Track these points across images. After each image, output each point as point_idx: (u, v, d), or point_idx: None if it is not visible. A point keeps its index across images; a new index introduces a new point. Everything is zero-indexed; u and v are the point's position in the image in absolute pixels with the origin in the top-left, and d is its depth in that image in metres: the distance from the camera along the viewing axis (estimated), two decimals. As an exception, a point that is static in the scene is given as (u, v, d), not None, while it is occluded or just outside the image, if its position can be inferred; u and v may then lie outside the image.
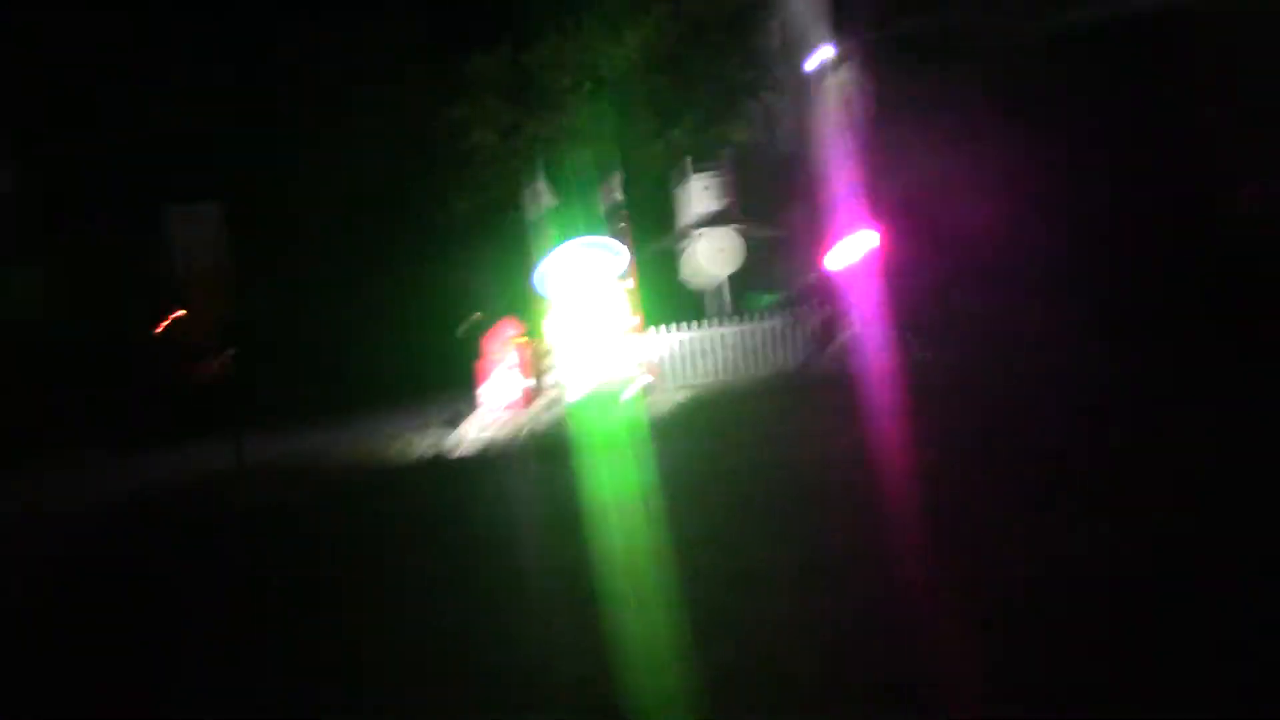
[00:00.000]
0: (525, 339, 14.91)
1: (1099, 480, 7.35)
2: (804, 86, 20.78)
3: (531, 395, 14.66)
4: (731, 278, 16.39)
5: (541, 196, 15.54)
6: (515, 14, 21.86)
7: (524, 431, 13.79)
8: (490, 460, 12.68)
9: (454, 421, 14.92)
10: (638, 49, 20.55)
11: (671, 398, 14.53)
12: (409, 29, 23.31)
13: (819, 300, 16.13)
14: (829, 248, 17.51)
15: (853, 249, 15.30)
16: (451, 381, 18.57)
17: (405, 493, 11.37)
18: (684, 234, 17.47)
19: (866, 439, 10.42)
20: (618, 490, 9.70)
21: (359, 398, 20.73)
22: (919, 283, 15.12)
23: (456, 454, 13.49)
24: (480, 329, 15.45)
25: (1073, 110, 15.69)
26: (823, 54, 19.66)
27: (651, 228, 18.70)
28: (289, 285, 25.25)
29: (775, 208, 19.21)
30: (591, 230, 15.22)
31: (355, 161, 23.73)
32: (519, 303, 16.65)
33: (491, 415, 14.61)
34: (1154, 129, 14.57)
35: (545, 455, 12.42)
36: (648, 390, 14.61)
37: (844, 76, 19.54)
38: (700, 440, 11.85)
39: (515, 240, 18.93)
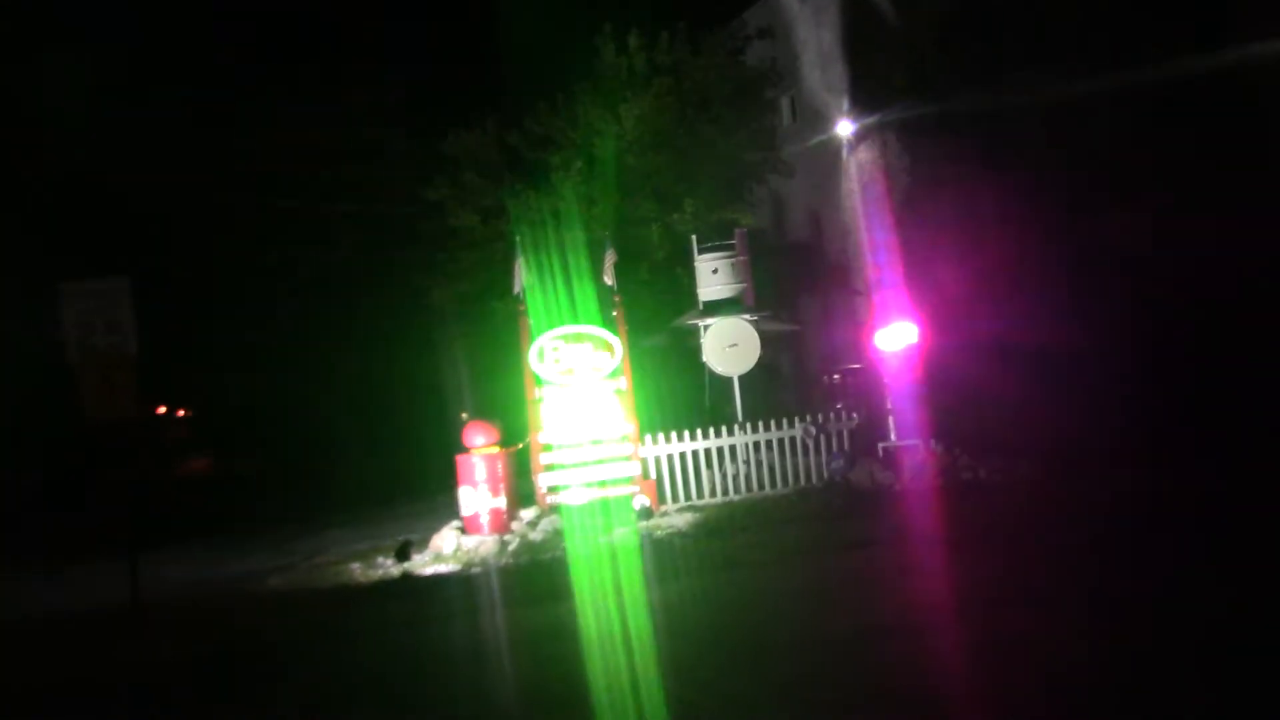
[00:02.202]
0: (500, 447, 12.25)
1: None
2: (818, 168, 18.50)
3: (504, 515, 11.96)
4: (745, 377, 13.76)
5: (526, 283, 13.01)
6: (502, 90, 19.74)
7: (501, 556, 11.12)
8: (456, 592, 10.02)
9: (419, 540, 12.23)
10: (634, 126, 18.30)
11: (672, 521, 11.85)
12: (389, 103, 21.07)
13: (847, 403, 13.53)
14: (856, 344, 15.03)
15: (887, 345, 12.77)
16: (430, 486, 15.94)
17: (350, 637, 8.70)
18: (688, 325, 14.91)
19: (905, 592, 7.90)
20: (604, 647, 7.23)
21: (322, 504, 18.06)
22: (965, 385, 12.58)
23: (424, 573, 10.83)
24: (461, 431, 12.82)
25: (1137, 183, 13.37)
26: (842, 131, 17.39)
27: (650, 320, 16.20)
28: (250, 375, 22.78)
29: (787, 300, 16.73)
30: (582, 320, 12.71)
31: (326, 242, 21.34)
32: (502, 401, 14.07)
33: (464, 533, 11.93)
34: (1225, 199, 12.23)
35: (524, 589, 9.79)
36: (644, 512, 11.93)
37: (866, 155, 17.27)
38: (704, 580, 9.21)
39: (499, 331, 16.44)
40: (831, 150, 17.98)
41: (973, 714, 5.33)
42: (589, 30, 18.88)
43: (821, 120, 18.16)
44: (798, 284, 18.11)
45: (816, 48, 18.29)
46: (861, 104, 17.28)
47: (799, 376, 17.58)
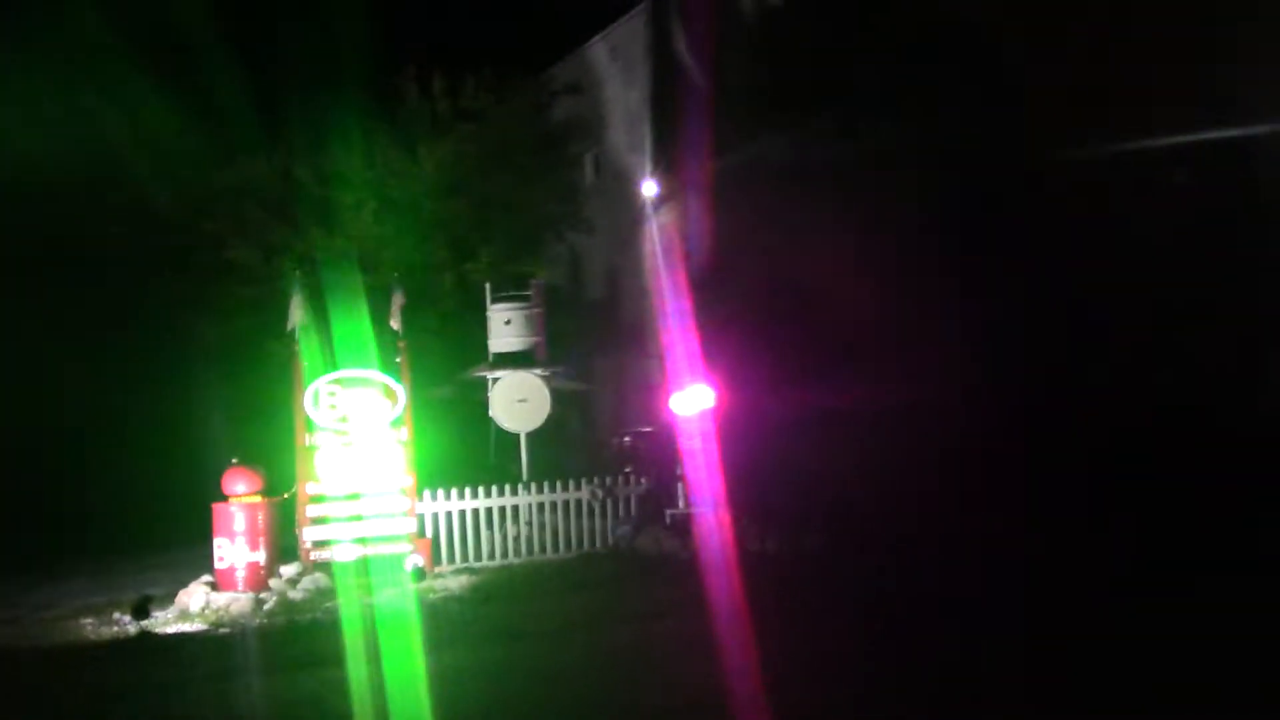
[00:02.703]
0: (263, 496, 11.19)
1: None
2: (618, 227, 18.18)
3: (262, 570, 10.89)
4: (532, 436, 13.12)
5: (305, 324, 12.03)
6: (292, 121, 18.64)
7: (256, 616, 10.08)
8: (199, 654, 8.95)
9: (166, 595, 11.03)
10: (433, 171, 17.62)
11: (448, 584, 11.06)
12: (165, 123, 19.57)
13: (636, 468, 13.03)
14: (648, 407, 14.63)
15: (682, 409, 12.37)
16: (187, 536, 14.52)
17: (59, 708, 7.56)
18: (475, 377, 14.21)
19: (693, 670, 7.37)
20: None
21: (65, 550, 16.33)
22: (758, 454, 12.28)
23: (166, 631, 9.69)
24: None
25: (938, 243, 13.44)
26: (643, 192, 17.10)
27: (437, 370, 15.37)
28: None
29: (581, 359, 16.20)
30: (363, 364, 11.84)
31: (85, 271, 19.59)
32: (271, 448, 12.93)
33: (216, 589, 10.79)
34: (1025, 272, 12.39)
35: (279, 653, 8.83)
36: (417, 573, 11.06)
37: (666, 217, 17.01)
38: (480, 652, 8.43)
39: (272, 373, 15.29)
40: (632, 210, 17.68)
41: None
42: (392, 68, 18.19)
43: (624, 179, 17.87)
44: (592, 343, 17.67)
45: (624, 106, 18.07)
46: (664, 165, 17.06)
47: (588, 438, 17.03)
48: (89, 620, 10.37)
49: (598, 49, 19.00)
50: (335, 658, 8.32)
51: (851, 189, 13.88)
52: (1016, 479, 11.39)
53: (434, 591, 10.71)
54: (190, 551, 13.26)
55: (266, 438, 13.27)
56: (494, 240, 17.68)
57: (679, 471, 12.50)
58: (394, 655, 8.23)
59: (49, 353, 18.86)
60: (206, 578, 10.99)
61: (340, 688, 7.42)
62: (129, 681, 8.15)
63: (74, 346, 19.50)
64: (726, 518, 12.16)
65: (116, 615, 10.29)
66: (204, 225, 17.85)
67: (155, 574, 12.98)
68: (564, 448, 14.70)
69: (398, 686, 7.28)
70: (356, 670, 7.83)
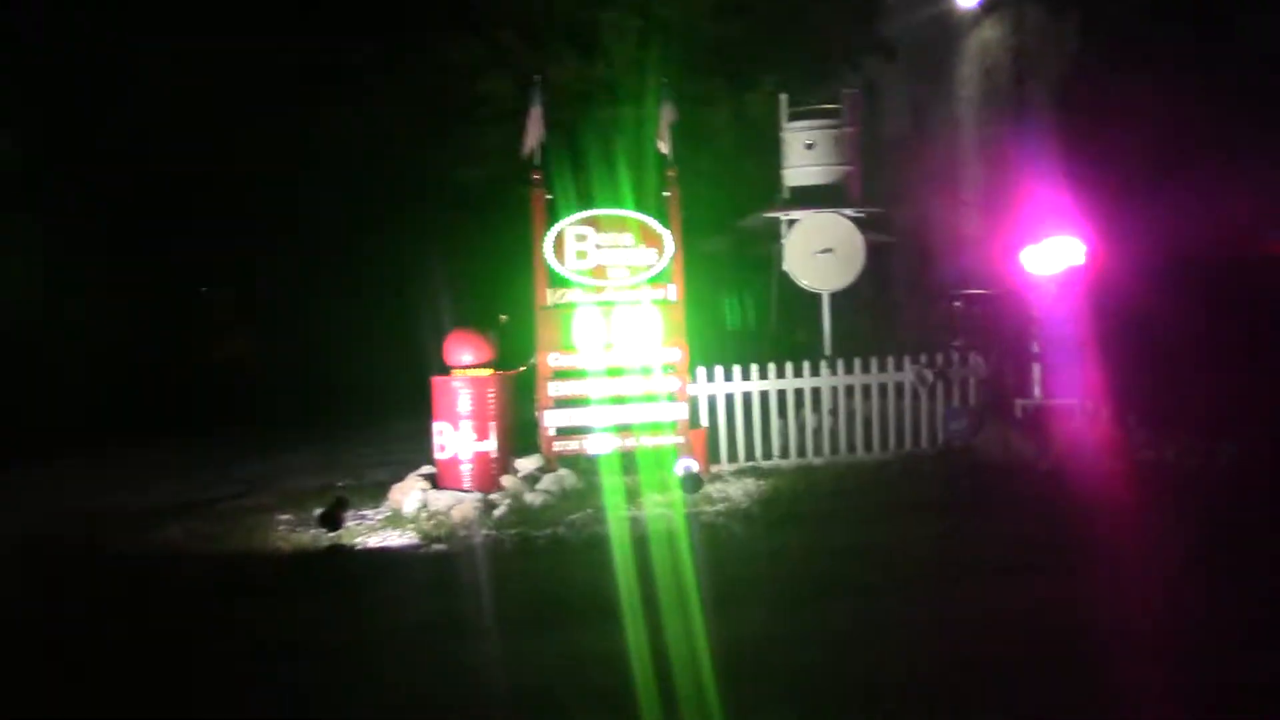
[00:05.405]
0: (494, 369, 8.43)
1: None
2: (926, 49, 14.36)
3: (492, 464, 8.19)
4: (836, 298, 9.80)
5: (547, 145, 9.03)
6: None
7: (482, 525, 7.42)
8: (400, 590, 6.33)
9: (380, 486, 8.58)
10: (709, -17, 14.28)
11: (728, 492, 8.06)
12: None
13: (970, 343, 9.53)
14: (972, 262, 11.14)
15: (1041, 266, 8.85)
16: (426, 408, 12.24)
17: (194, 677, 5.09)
18: (763, 221, 10.99)
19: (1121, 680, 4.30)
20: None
21: (304, 412, 14.48)
22: (1145, 329, 8.64)
23: (365, 545, 7.17)
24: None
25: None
26: (963, 2, 13.27)
27: (707, 220, 12.23)
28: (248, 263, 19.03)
29: (885, 205, 12.61)
30: (620, 203, 8.89)
31: (338, 112, 17.39)
32: (514, 310, 10.16)
33: (434, 485, 8.22)
34: None
35: (511, 592, 6.10)
36: (691, 480, 8.06)
37: (993, 32, 13.14)
38: (790, 618, 5.39)
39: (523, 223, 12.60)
40: (947, 27, 13.83)
41: None
42: None
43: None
44: (891, 189, 14.01)
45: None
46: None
47: (889, 302, 13.50)
48: (286, 516, 8.02)
49: None
50: (583, 607, 5.55)
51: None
52: None
53: (711, 502, 7.76)
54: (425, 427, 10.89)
55: (515, 297, 10.57)
56: (779, 68, 14.20)
57: (1033, 349, 9.00)
58: (670, 613, 5.34)
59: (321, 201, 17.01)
60: (426, 469, 8.44)
61: (589, 663, 4.69)
62: (308, 627, 5.61)
63: (342, 191, 17.53)
64: (1102, 413, 8.66)
65: (318, 512, 7.82)
66: (457, 55, 15.23)
67: (390, 447, 10.87)
68: (865, 314, 11.32)
69: (686, 676, 4.49)
70: (610, 636, 5.00)
